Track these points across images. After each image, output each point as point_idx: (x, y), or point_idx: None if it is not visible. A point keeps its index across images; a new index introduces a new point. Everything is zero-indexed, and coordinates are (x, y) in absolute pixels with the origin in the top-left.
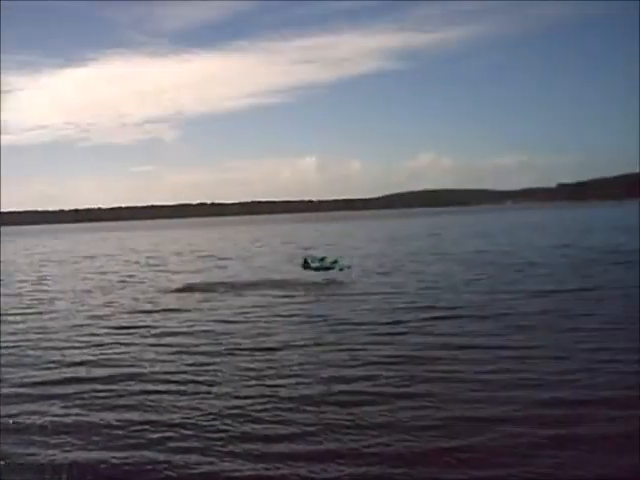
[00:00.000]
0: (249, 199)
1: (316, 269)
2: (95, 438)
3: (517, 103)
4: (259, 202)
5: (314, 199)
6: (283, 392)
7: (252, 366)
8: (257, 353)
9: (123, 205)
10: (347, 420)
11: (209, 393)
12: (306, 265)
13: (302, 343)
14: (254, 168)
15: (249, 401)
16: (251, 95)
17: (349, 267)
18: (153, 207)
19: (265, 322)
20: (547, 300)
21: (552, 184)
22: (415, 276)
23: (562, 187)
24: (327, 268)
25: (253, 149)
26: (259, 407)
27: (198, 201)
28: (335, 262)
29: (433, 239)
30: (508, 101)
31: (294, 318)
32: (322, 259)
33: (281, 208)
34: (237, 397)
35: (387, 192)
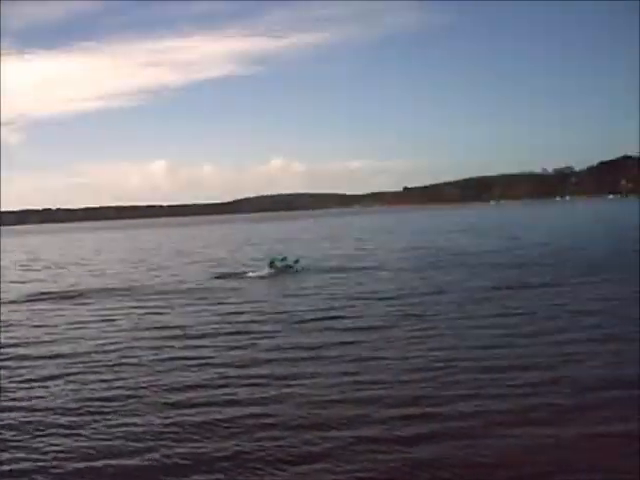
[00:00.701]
0: (97, 204)
1: (282, 267)
2: None
3: (367, 109)
4: (108, 207)
5: (165, 204)
6: (116, 431)
7: (81, 388)
8: (90, 375)
9: None
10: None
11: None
12: (272, 264)
13: (141, 361)
14: (103, 172)
15: (80, 437)
16: (98, 98)
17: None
18: None
19: (103, 335)
20: (389, 304)
21: (399, 188)
22: (261, 283)
23: (408, 191)
24: (288, 266)
25: (102, 153)
26: (92, 444)
27: (43, 207)
28: (297, 261)
29: (285, 244)
30: (358, 106)
31: (133, 332)
32: (284, 258)
33: (131, 213)
34: (68, 435)
35: (240, 196)
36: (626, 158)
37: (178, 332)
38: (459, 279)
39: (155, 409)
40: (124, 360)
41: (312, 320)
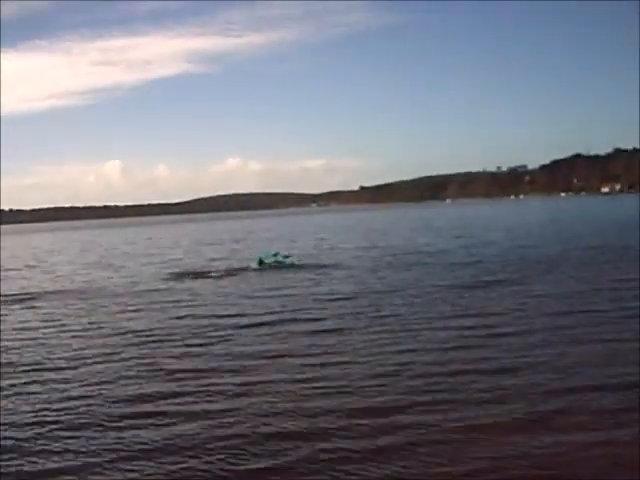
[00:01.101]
0: (52, 205)
1: (272, 263)
2: None
3: (322, 107)
4: (62, 208)
5: (120, 204)
6: (60, 447)
7: (25, 399)
8: (35, 385)
9: None
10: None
11: None
12: (261, 262)
13: (90, 369)
14: (57, 172)
15: (21, 454)
16: (52, 96)
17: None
18: None
19: (51, 340)
20: (346, 305)
21: (356, 187)
22: (218, 284)
23: (364, 190)
24: (279, 262)
25: (55, 152)
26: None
27: None
28: (287, 257)
29: (243, 244)
30: (313, 105)
31: (83, 338)
32: (276, 254)
33: (86, 214)
34: (7, 451)
35: (196, 196)
36: (577, 156)
37: (130, 337)
38: (416, 278)
39: (103, 422)
40: (72, 368)
41: (268, 323)
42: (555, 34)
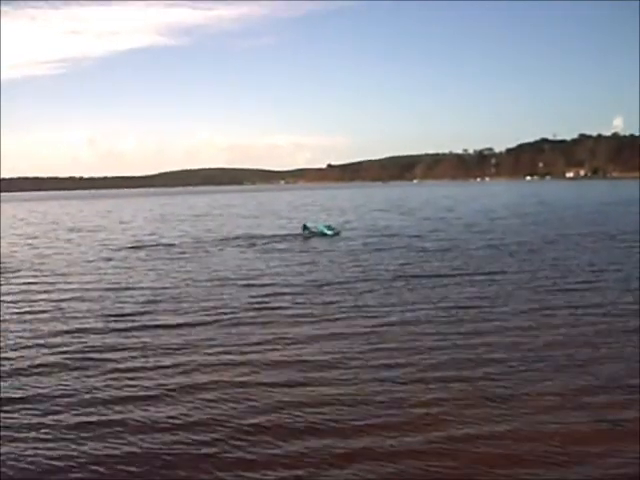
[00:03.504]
0: (14, 175)
1: (316, 232)
2: None
3: (290, 84)
4: (25, 178)
5: (86, 176)
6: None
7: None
8: None
9: None
10: None
11: None
12: (306, 228)
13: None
14: (19, 142)
15: None
16: (17, 66)
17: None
18: None
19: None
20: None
21: (323, 164)
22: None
23: (331, 168)
24: (323, 233)
25: (19, 122)
26: None
27: None
28: (330, 228)
29: (203, 221)
30: (281, 81)
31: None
32: (328, 226)
33: (49, 185)
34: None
35: (164, 170)
36: (544, 141)
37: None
38: (388, 263)
39: None
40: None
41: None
42: (524, 19)
